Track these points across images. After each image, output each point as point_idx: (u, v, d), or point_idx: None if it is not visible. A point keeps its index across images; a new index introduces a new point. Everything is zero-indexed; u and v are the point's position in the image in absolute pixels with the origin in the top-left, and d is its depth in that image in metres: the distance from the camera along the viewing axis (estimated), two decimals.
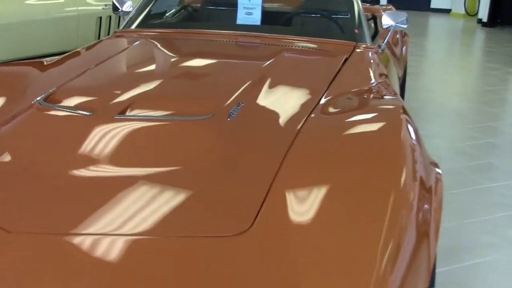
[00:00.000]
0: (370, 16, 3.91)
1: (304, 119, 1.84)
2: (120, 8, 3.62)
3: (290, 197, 1.41)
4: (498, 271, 2.68)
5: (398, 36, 4.20)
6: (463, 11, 12.43)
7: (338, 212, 1.34)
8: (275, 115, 1.91)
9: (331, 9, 3.65)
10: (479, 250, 2.85)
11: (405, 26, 3.24)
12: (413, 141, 1.67)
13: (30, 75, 2.41)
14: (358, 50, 2.89)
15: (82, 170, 1.58)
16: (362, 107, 2.01)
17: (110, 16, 5.77)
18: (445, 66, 7.68)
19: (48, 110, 1.94)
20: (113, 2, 3.69)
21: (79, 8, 5.48)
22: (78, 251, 1.27)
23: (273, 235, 1.29)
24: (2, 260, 1.24)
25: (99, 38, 5.66)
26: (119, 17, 4.14)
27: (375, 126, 1.77)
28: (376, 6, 3.65)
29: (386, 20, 3.22)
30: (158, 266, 1.22)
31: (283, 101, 2.04)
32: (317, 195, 1.41)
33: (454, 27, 11.34)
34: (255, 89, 2.08)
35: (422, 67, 7.29)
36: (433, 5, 13.50)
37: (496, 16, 11.38)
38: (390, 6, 4.89)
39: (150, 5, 3.52)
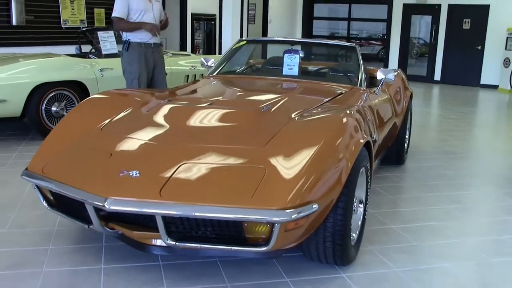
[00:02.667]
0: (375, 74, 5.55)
1: (298, 112, 3.63)
2: (206, 64, 5.55)
3: (287, 137, 3.19)
4: None
5: (399, 89, 5.83)
6: (509, 87, 13.80)
7: (298, 144, 3.09)
8: (283, 112, 3.70)
9: (340, 68, 5.50)
10: None
11: (392, 79, 4.91)
12: (344, 123, 3.36)
13: (156, 94, 4.32)
14: (352, 90, 4.65)
15: (188, 121, 3.47)
16: (330, 111, 3.72)
17: (195, 75, 7.75)
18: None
19: (171, 103, 3.85)
20: (201, 60, 5.64)
21: (172, 67, 7.50)
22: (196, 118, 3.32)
23: (275, 148, 3.07)
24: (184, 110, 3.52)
25: None
26: (201, 74, 6.07)
27: (329, 117, 3.52)
28: (387, 69, 5.19)
29: (379, 75, 4.93)
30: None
31: (288, 107, 3.83)
32: (296, 137, 3.20)
33: (501, 100, 12.72)
34: (277, 101, 3.91)
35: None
36: (483, 81, 14.90)
37: None
38: (399, 70, 6.47)
39: (225, 62, 5.42)
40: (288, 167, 2.91)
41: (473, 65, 14.98)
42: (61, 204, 3.34)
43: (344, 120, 3.39)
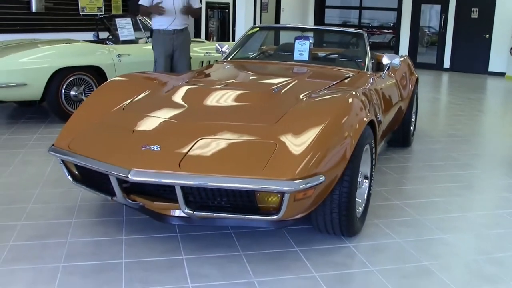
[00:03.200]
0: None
1: (306, 94, 3.85)
2: (221, 49, 5.78)
3: (296, 115, 3.42)
4: None
5: (404, 74, 6.03)
6: None
7: (306, 122, 3.32)
8: (293, 93, 3.92)
9: (348, 54, 5.70)
10: None
11: (397, 64, 5.12)
12: (350, 103, 3.59)
13: (173, 77, 4.56)
14: (359, 74, 4.86)
15: (204, 101, 3.71)
16: (336, 93, 3.93)
17: (209, 61, 7.97)
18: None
19: (188, 85, 4.09)
20: (216, 45, 5.88)
21: None
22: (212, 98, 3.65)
23: (285, 125, 3.30)
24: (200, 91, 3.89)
25: None
26: (216, 60, 6.33)
27: (335, 97, 3.74)
28: (393, 55, 5.42)
29: (385, 60, 5.13)
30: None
31: (298, 89, 4.05)
32: (304, 115, 3.42)
33: (507, 87, 12.87)
34: (287, 83, 4.13)
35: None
36: (491, 68, 15.04)
37: None
38: (405, 56, 6.65)
39: (239, 48, 5.64)
40: (297, 142, 3.14)
41: (481, 53, 15.12)
42: (86, 178, 3.58)
43: (350, 100, 3.61)
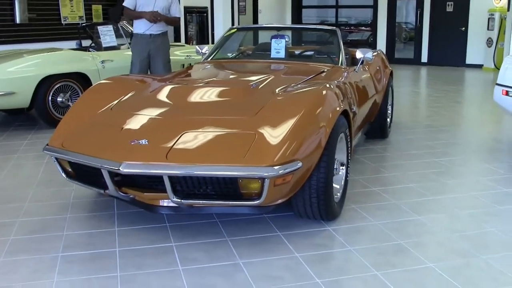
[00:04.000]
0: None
1: (283, 88, 4.10)
2: (201, 51, 6.02)
3: (273, 108, 3.66)
4: None
5: (378, 68, 6.28)
6: (492, 66, 14.25)
7: (283, 113, 3.56)
8: (270, 87, 4.16)
9: (323, 50, 5.98)
10: None
11: (370, 57, 5.36)
12: (324, 94, 3.83)
13: (156, 78, 4.79)
14: (334, 68, 5.11)
15: (187, 98, 3.95)
16: (311, 86, 4.17)
17: (190, 63, 8.18)
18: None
19: (172, 84, 4.32)
20: (196, 48, 6.12)
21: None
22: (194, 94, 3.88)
23: (263, 117, 3.54)
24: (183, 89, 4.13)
25: None
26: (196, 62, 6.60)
27: (309, 90, 3.98)
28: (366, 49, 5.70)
29: (358, 54, 5.37)
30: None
31: (275, 84, 4.28)
32: (281, 108, 3.66)
33: (484, 78, 13.16)
34: (265, 79, 4.37)
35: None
36: (468, 61, 15.37)
37: None
38: (379, 51, 6.91)
39: (218, 49, 5.88)
40: (275, 132, 3.39)
41: (458, 46, 15.44)
42: (79, 174, 3.81)
43: (324, 92, 3.86)
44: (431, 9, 15.79)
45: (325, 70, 5.01)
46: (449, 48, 15.58)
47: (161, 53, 7.01)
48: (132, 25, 7.31)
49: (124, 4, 6.92)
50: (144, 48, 6.94)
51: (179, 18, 7.29)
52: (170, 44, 7.45)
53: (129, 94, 4.26)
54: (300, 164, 3.29)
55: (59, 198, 4.38)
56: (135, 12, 6.89)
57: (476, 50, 15.09)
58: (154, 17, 6.76)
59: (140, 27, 6.91)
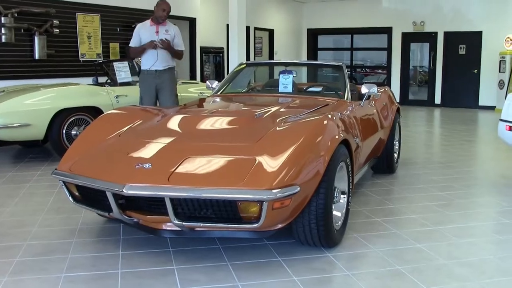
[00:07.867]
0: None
1: (286, 117, 4.23)
2: (211, 86, 6.21)
3: (274, 135, 3.78)
4: None
5: (385, 103, 6.39)
6: None
7: (283, 141, 3.68)
8: (274, 117, 4.29)
9: (329, 84, 6.13)
10: None
11: (375, 92, 5.49)
12: (324, 124, 3.95)
13: (164, 110, 4.95)
14: (339, 102, 5.23)
15: (192, 126, 4.11)
16: (314, 116, 4.28)
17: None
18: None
19: (179, 114, 4.47)
20: (207, 83, 6.31)
21: (182, 94, 8.14)
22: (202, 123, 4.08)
23: (265, 144, 3.66)
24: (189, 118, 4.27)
25: None
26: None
27: (310, 120, 4.09)
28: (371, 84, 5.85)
29: (363, 89, 5.51)
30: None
31: (278, 114, 4.42)
32: (281, 135, 3.79)
33: (496, 119, 13.18)
34: (269, 109, 4.50)
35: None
36: (481, 102, 15.47)
37: None
38: (386, 88, 7.03)
39: (227, 84, 6.06)
40: (274, 158, 3.50)
41: (471, 88, 15.59)
42: (85, 197, 3.94)
43: (325, 122, 3.98)
44: (444, 52, 16.01)
45: (330, 103, 5.13)
46: (462, 90, 15.73)
47: (168, 87, 7.20)
48: None
49: (129, 45, 7.23)
50: (151, 84, 7.13)
51: (182, 51, 7.42)
52: (186, 81, 7.64)
53: (138, 122, 4.41)
54: (298, 188, 3.38)
55: (67, 224, 4.50)
56: (137, 48, 7.12)
57: (488, 92, 15.22)
58: (154, 44, 6.97)
59: (147, 63, 7.12)
